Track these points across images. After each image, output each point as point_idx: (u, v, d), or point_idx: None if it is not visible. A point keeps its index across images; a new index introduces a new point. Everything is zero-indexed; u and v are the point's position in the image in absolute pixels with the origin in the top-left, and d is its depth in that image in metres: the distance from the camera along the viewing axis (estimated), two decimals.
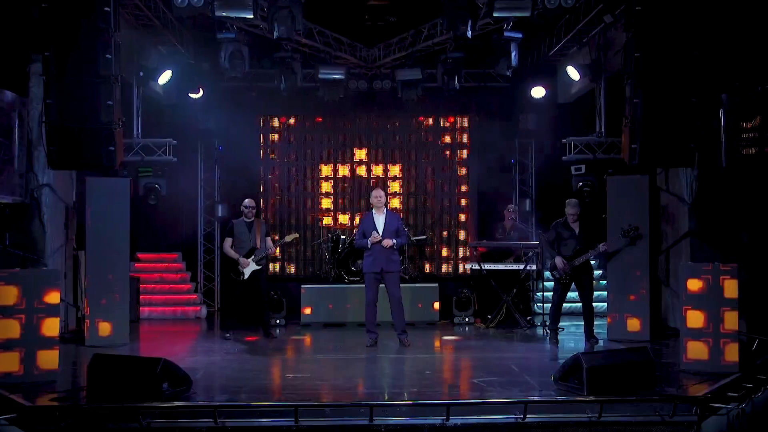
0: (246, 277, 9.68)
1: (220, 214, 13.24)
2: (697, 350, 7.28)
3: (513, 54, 9.02)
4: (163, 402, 5.86)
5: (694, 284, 7.35)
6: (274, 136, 13.88)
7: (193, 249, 13.55)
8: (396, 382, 7.32)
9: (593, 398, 6.00)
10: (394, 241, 8.92)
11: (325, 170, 13.88)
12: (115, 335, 9.15)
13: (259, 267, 9.70)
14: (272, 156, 13.88)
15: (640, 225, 9.39)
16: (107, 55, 6.96)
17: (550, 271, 9.60)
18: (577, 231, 9.39)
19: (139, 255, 13.28)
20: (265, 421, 5.81)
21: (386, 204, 9.23)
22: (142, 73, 10.16)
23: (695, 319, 7.33)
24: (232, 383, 7.09)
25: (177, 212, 13.07)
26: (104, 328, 9.10)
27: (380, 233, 8.92)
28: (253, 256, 9.70)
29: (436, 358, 8.60)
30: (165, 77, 10.37)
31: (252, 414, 5.87)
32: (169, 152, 10.52)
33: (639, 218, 9.48)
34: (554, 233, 9.50)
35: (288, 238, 10.15)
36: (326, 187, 13.86)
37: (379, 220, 9.04)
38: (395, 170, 13.94)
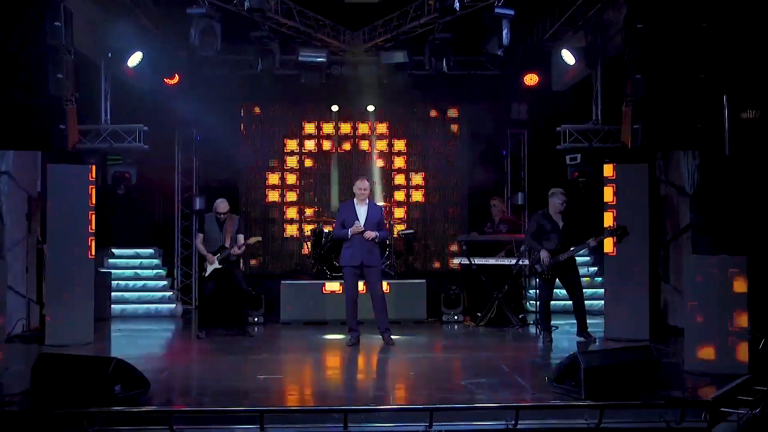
0: (207, 274, 9.14)
1: (198, 207, 12.59)
2: (703, 349, 6.72)
3: (504, 32, 8.41)
4: (112, 407, 5.24)
5: (700, 278, 6.79)
6: (255, 126, 13.26)
7: (170, 243, 12.93)
8: (376, 385, 6.74)
9: (592, 402, 5.42)
10: (377, 233, 8.33)
11: (308, 161, 13.28)
12: (78, 333, 8.53)
13: (220, 267, 9.10)
14: (253, 147, 13.27)
15: (639, 216, 8.84)
16: (56, 23, 6.32)
17: (532, 266, 9.03)
18: (561, 224, 8.81)
19: (114, 250, 12.65)
20: (227, 427, 5.21)
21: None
22: (110, 54, 9.52)
23: (701, 316, 6.76)
24: (198, 385, 6.50)
25: (153, 205, 12.45)
26: (66, 326, 8.47)
27: (362, 224, 8.32)
28: (218, 255, 9.11)
29: (422, 359, 7.99)
30: (135, 59, 9.72)
31: (213, 420, 5.27)
32: (140, 139, 9.90)
33: (638, 209, 8.92)
34: (535, 225, 8.92)
35: (251, 241, 9.59)
36: (309, 178, 13.26)
37: (361, 210, 8.43)
38: (381, 162, 13.33)
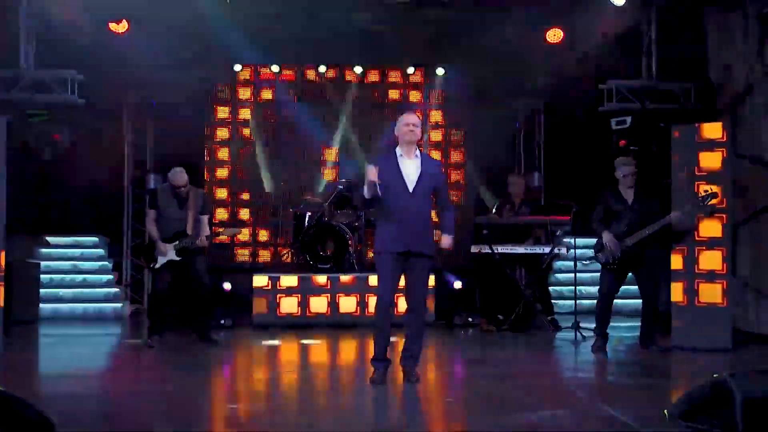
0: (158, 265, 7.00)
1: (153, 186, 10.37)
2: None
3: None
4: None
5: None
6: (223, 89, 11.10)
7: (117, 230, 10.74)
8: (395, 419, 4.62)
9: None
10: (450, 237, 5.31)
11: (287, 134, 11.17)
12: None
13: (177, 258, 6.97)
14: (221, 115, 11.11)
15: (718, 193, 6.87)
16: None
17: (595, 254, 7.04)
18: (631, 201, 6.83)
19: (48, 238, 10.39)
20: None
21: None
22: None
23: None
24: (133, 421, 4.33)
25: (96, 181, 10.18)
26: None
27: (411, 191, 5.19)
28: (176, 242, 6.95)
29: (451, 378, 5.91)
30: None
31: None
32: (73, 90, 7.71)
33: (716, 182, 6.95)
34: (602, 206, 6.93)
35: (227, 232, 7.45)
36: (287, 153, 11.14)
37: (409, 167, 5.20)
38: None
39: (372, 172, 5.00)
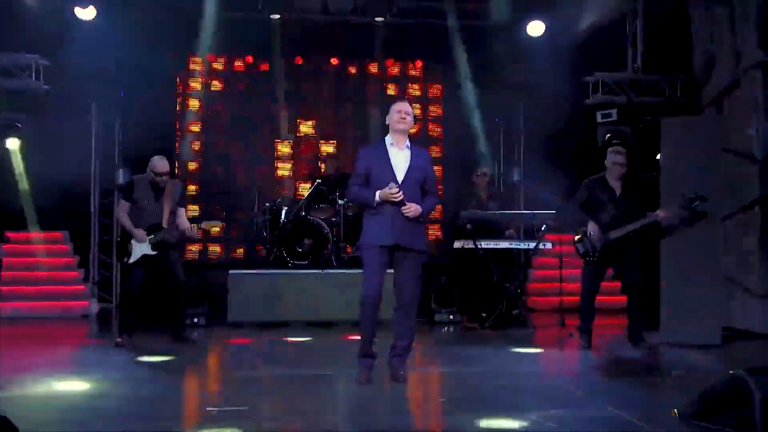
0: (131, 260, 6.64)
1: (121, 180, 10.02)
2: None
3: None
4: None
5: None
6: (195, 82, 10.75)
7: (84, 225, 10.28)
8: (381, 423, 4.36)
9: None
10: (418, 207, 4.94)
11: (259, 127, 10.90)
12: None
13: (153, 253, 6.62)
14: (193, 108, 10.77)
15: (707, 185, 6.70)
16: None
17: (574, 244, 6.83)
18: (618, 192, 6.65)
19: (9, 234, 9.90)
20: None
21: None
22: None
23: None
24: (103, 423, 4.01)
25: (62, 174, 9.73)
26: None
27: (399, 182, 4.97)
28: (152, 236, 6.61)
29: (439, 378, 5.66)
30: None
31: None
32: (38, 76, 7.30)
33: (707, 177, 6.80)
34: (586, 193, 6.71)
35: (207, 226, 7.09)
36: (261, 148, 10.85)
37: (399, 157, 5.01)
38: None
39: (397, 195, 4.86)
